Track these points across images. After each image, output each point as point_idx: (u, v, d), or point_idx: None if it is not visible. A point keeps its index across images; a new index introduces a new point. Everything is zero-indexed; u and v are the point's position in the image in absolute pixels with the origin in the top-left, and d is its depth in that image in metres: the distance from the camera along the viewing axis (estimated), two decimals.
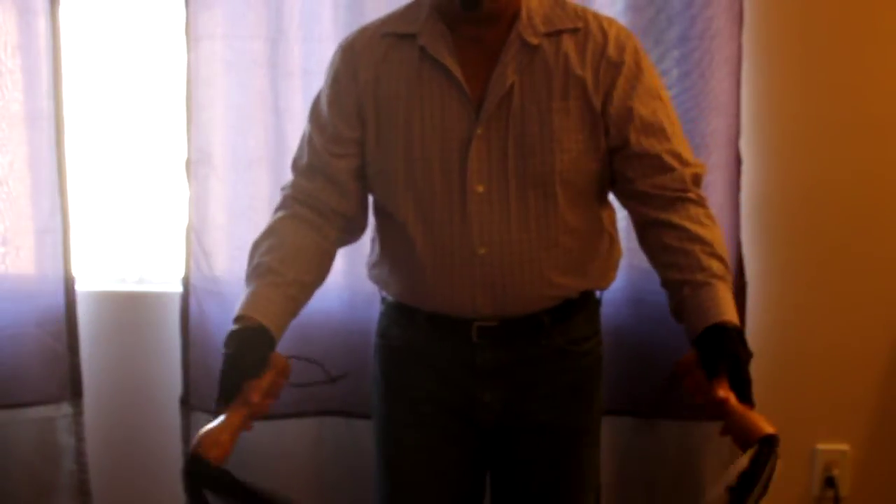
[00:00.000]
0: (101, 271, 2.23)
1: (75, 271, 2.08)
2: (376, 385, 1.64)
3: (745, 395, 1.31)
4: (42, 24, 2.00)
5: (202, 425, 2.01)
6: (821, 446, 2.13)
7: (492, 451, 1.59)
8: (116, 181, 2.22)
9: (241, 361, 1.36)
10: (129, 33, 2.17)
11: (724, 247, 1.45)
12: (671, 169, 1.46)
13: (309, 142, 1.57)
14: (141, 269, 2.24)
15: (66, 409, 2.08)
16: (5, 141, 2.01)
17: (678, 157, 1.47)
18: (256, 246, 1.51)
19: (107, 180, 2.21)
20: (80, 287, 2.10)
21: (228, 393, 1.36)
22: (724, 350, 1.32)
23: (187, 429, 2.06)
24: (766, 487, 1.25)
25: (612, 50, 1.46)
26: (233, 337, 1.39)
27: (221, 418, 1.34)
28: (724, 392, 1.30)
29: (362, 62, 1.52)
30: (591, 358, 1.59)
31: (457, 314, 1.50)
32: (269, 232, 1.52)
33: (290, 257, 1.48)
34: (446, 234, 1.47)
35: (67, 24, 2.05)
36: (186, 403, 2.06)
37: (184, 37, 1.99)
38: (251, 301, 1.43)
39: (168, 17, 2.11)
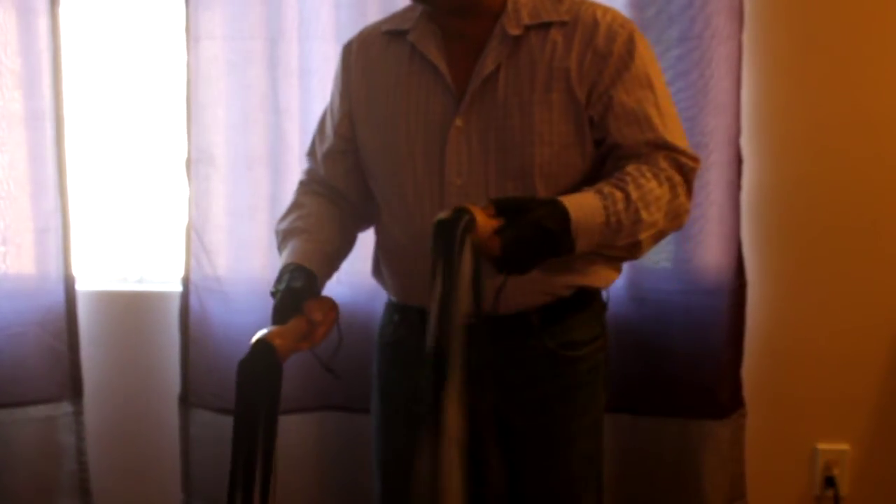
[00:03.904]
0: (102, 271, 2.24)
1: (76, 271, 2.08)
2: (373, 384, 1.65)
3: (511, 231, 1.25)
4: (43, 23, 2.01)
5: (201, 423, 2.06)
6: (821, 446, 2.13)
7: (483, 456, 1.58)
8: (117, 181, 2.22)
9: (297, 291, 1.37)
10: (129, 33, 2.17)
11: (649, 198, 1.35)
12: (646, 155, 1.41)
13: (313, 137, 1.64)
14: (142, 268, 2.25)
15: (66, 407, 2.09)
16: (6, 140, 2.01)
17: (659, 144, 1.42)
18: (282, 219, 1.56)
19: (107, 180, 2.22)
20: (81, 286, 2.10)
21: (282, 317, 1.35)
22: (517, 200, 1.29)
23: (186, 427, 2.07)
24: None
25: (600, 40, 1.43)
26: (282, 277, 1.41)
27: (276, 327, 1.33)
28: (484, 212, 1.24)
29: (357, 59, 1.55)
30: (586, 364, 1.53)
31: None
32: (294, 206, 1.57)
33: (320, 222, 1.53)
34: (425, 227, 1.42)
35: (68, 24, 2.06)
36: (185, 401, 2.07)
37: (184, 37, 2.00)
38: (291, 254, 1.46)
39: (168, 17, 2.11)
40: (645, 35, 1.91)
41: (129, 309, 2.18)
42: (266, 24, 1.99)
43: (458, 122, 1.44)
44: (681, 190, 1.42)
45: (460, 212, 1.22)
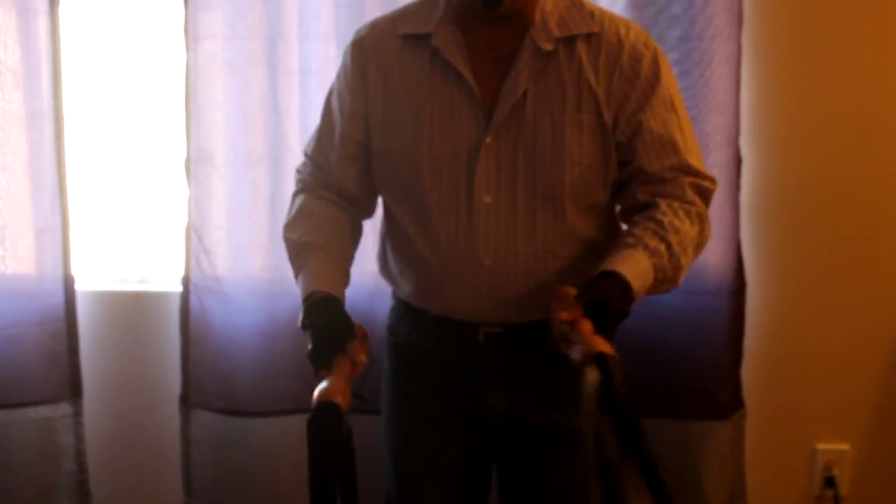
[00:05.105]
0: (102, 271, 2.23)
1: (76, 271, 2.08)
2: (385, 380, 1.64)
3: (601, 328, 1.28)
4: (42, 23, 2.00)
5: (202, 423, 2.06)
6: (821, 446, 2.13)
7: (497, 450, 1.59)
8: (117, 181, 2.22)
9: (335, 327, 1.38)
10: (129, 33, 2.17)
11: (686, 241, 1.40)
12: (672, 180, 1.44)
13: (318, 136, 1.59)
14: (142, 268, 2.24)
15: (65, 408, 2.08)
16: (5, 140, 2.01)
17: (683, 169, 1.45)
18: (292, 227, 1.54)
19: (107, 180, 2.22)
20: (80, 287, 2.10)
21: (326, 357, 1.35)
22: (595, 289, 1.32)
23: (187, 427, 2.07)
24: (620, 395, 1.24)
25: (626, 60, 1.42)
26: (314, 308, 1.40)
27: (333, 375, 1.34)
28: (572, 315, 1.28)
29: (372, 60, 1.50)
30: None
31: (463, 319, 1.50)
32: (302, 213, 1.55)
33: (332, 235, 1.52)
34: (452, 243, 1.45)
35: (68, 24, 2.05)
36: (186, 401, 2.07)
37: (183, 37, 1.99)
38: (314, 278, 1.45)
39: (168, 17, 2.11)
40: None
41: (129, 309, 2.18)
42: (266, 24, 1.99)
43: (489, 139, 1.42)
44: (706, 224, 1.46)
45: (602, 362, 1.23)
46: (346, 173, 1.55)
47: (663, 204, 1.42)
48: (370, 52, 1.51)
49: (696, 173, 1.45)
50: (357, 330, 1.40)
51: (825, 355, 2.10)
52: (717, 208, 1.96)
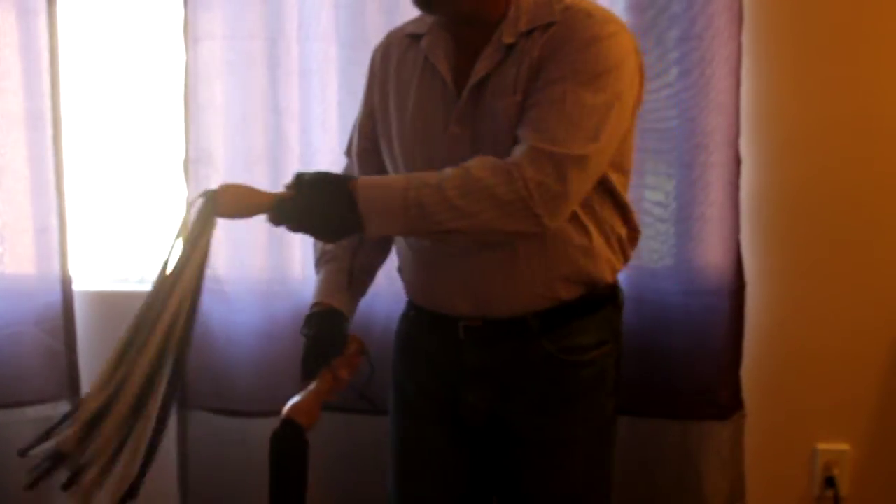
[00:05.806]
0: (101, 271, 2.23)
1: (74, 271, 2.08)
2: (391, 380, 1.67)
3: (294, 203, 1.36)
4: (41, 23, 2.00)
5: (199, 423, 2.05)
6: (821, 446, 2.13)
7: (486, 453, 1.59)
8: (115, 181, 2.22)
9: (323, 340, 1.49)
10: (128, 33, 2.17)
11: (471, 186, 1.31)
12: (521, 145, 1.35)
13: (350, 134, 1.67)
14: (142, 268, 2.24)
15: (64, 407, 2.07)
16: (4, 140, 2.01)
17: (539, 130, 1.34)
18: None
19: (106, 180, 2.21)
20: (79, 286, 2.10)
21: (312, 369, 1.48)
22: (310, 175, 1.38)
23: (184, 428, 2.07)
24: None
25: (562, 34, 1.38)
26: (311, 319, 1.52)
27: (309, 389, 1.46)
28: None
29: (381, 61, 1.58)
30: (591, 370, 1.52)
31: (445, 312, 1.52)
32: None
33: (350, 245, 1.57)
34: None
35: (67, 24, 2.05)
36: (183, 401, 2.06)
37: (183, 37, 1.99)
38: (323, 288, 1.56)
39: (168, 17, 2.11)
40: (646, 37, 1.93)
41: (127, 309, 2.15)
42: (266, 24, 1.99)
43: (455, 129, 1.45)
44: (521, 185, 1.31)
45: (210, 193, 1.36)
46: (365, 170, 1.60)
47: (478, 156, 1.36)
48: (380, 54, 1.59)
49: (549, 139, 1.32)
50: (351, 343, 1.49)
51: (825, 356, 2.10)
52: (717, 208, 1.97)
